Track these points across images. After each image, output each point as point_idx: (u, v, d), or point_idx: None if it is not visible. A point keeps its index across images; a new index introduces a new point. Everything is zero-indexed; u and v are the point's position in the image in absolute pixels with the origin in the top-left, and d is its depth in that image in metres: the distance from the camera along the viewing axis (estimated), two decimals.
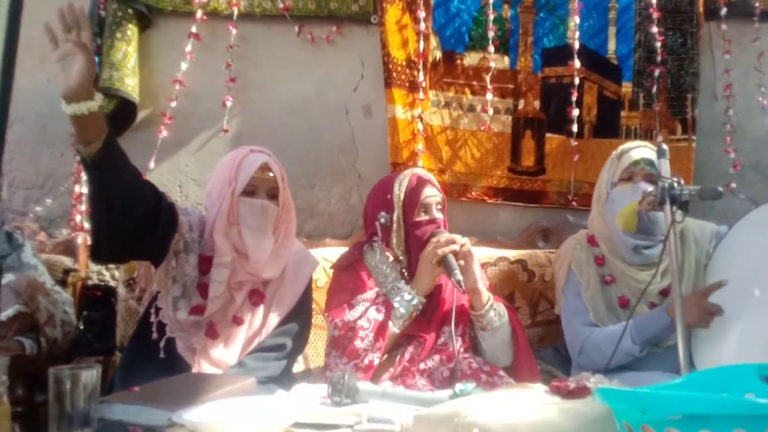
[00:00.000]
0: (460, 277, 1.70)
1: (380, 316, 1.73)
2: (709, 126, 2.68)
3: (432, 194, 1.88)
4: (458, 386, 1.20)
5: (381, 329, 1.72)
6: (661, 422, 0.76)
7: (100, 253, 1.60)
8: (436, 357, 1.75)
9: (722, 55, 2.66)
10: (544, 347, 2.29)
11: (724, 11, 2.61)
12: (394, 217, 1.87)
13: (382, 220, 1.89)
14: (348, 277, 1.90)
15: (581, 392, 0.96)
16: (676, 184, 1.38)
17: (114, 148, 1.49)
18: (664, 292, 1.88)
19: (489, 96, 2.57)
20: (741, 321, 1.65)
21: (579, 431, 0.90)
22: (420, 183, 1.88)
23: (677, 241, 1.88)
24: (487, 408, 0.94)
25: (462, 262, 1.76)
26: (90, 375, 1.14)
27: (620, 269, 1.94)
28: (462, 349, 1.76)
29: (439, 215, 1.88)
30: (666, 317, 1.74)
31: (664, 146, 1.47)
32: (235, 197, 1.75)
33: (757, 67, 2.66)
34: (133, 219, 1.56)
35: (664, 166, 1.44)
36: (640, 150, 1.93)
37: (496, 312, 1.80)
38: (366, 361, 1.67)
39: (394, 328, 1.75)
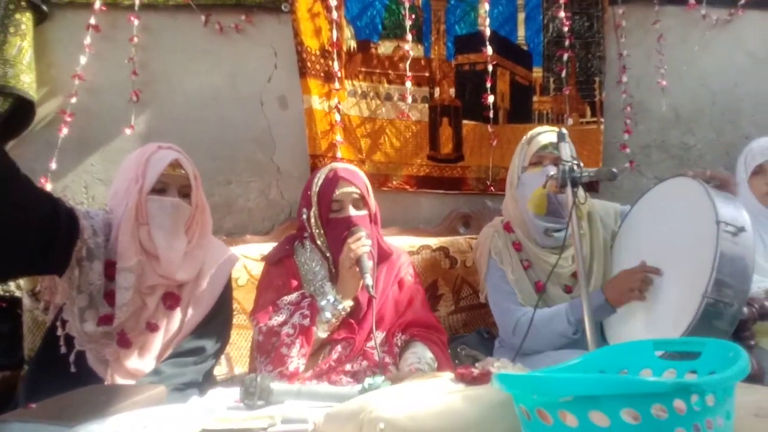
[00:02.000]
0: (370, 281, 1.67)
1: (306, 322, 1.70)
2: (616, 108, 2.78)
3: (346, 190, 1.81)
4: (367, 380, 1.19)
5: (307, 335, 1.68)
6: (553, 404, 0.77)
7: None
8: (364, 362, 1.74)
9: (626, 38, 2.76)
10: (467, 332, 2.33)
11: None
12: (311, 214, 1.84)
13: (304, 217, 1.86)
14: (277, 273, 1.86)
15: (484, 378, 0.97)
16: (575, 167, 1.41)
17: (2, 165, 1.37)
18: (576, 275, 1.93)
19: (408, 84, 2.57)
20: (648, 296, 1.71)
21: (482, 417, 0.91)
22: (333, 179, 1.82)
23: (584, 222, 1.96)
24: (393, 401, 0.94)
25: (371, 263, 1.74)
26: None
27: (535, 253, 1.98)
28: (386, 357, 1.75)
29: (356, 212, 1.82)
30: (601, 296, 1.78)
31: (564, 130, 1.50)
32: (143, 195, 1.67)
33: (658, 49, 2.77)
34: (24, 233, 1.45)
35: (564, 150, 1.48)
36: (548, 135, 1.98)
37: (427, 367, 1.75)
38: (291, 368, 1.64)
39: (319, 333, 1.72)
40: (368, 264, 1.71)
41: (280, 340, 1.68)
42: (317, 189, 1.84)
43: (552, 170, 1.88)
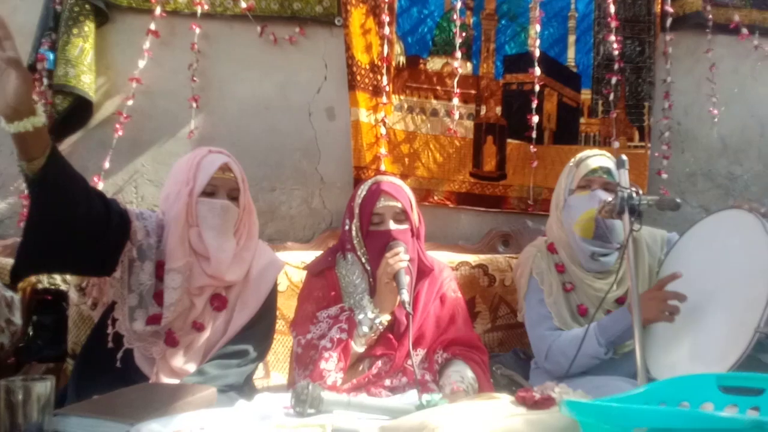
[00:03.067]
0: (406, 297, 1.66)
1: (344, 336, 1.70)
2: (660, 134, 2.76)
3: (387, 204, 1.81)
4: (425, 397, 1.19)
5: (344, 350, 1.69)
6: None
7: (20, 269, 1.48)
8: (404, 378, 1.73)
9: (675, 65, 2.74)
10: (503, 351, 2.32)
11: (670, 21, 2.70)
12: (353, 226, 1.85)
13: (346, 228, 1.87)
14: (317, 285, 1.87)
15: (546, 403, 0.97)
16: (634, 194, 1.41)
17: (57, 164, 1.40)
18: (620, 300, 1.92)
19: (455, 101, 2.58)
20: (694, 327, 1.69)
21: None
22: (376, 192, 1.83)
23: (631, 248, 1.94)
24: (455, 419, 0.94)
25: (408, 278, 1.72)
26: (44, 386, 1.11)
27: (579, 277, 1.97)
28: (425, 375, 1.75)
29: (397, 226, 1.81)
30: (628, 316, 1.75)
31: (624, 157, 1.49)
32: (194, 198, 1.70)
33: (709, 77, 2.75)
34: (74, 236, 1.48)
35: (624, 176, 1.47)
36: (598, 159, 1.97)
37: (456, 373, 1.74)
38: (329, 382, 1.64)
39: (357, 348, 1.72)
40: (405, 279, 1.69)
41: (318, 354, 1.68)
42: (360, 201, 1.85)
43: (602, 194, 1.88)
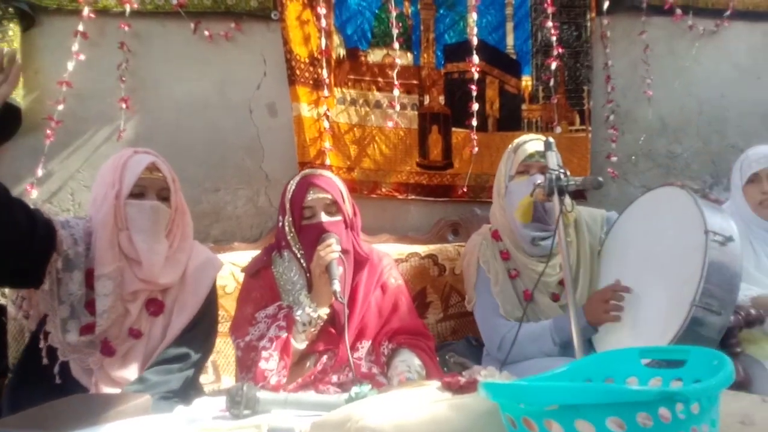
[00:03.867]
0: (337, 287, 1.65)
1: (282, 333, 1.68)
2: (603, 117, 2.80)
3: (317, 196, 1.79)
4: (354, 389, 1.18)
5: (284, 347, 1.67)
6: (539, 413, 0.77)
7: None
8: (351, 373, 1.70)
9: (612, 48, 2.79)
10: (456, 339, 2.33)
11: (606, 5, 2.74)
12: (286, 221, 1.83)
13: (280, 224, 1.85)
14: (255, 285, 1.85)
15: (471, 387, 0.97)
16: (562, 176, 1.42)
17: None
18: (563, 282, 1.93)
19: (396, 92, 2.57)
20: (635, 304, 1.72)
21: (468, 426, 0.91)
22: (304, 185, 1.81)
23: (571, 230, 1.96)
24: (379, 410, 0.93)
25: (341, 269, 1.71)
26: None
27: (523, 262, 1.98)
28: (371, 367, 1.75)
29: (328, 218, 1.80)
30: (584, 318, 1.78)
31: (551, 139, 1.51)
32: (121, 200, 1.65)
33: (644, 59, 2.79)
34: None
35: (551, 158, 1.48)
36: (534, 143, 1.99)
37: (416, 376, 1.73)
38: (273, 382, 1.61)
39: (297, 345, 1.70)
40: (337, 271, 1.68)
41: (258, 355, 1.66)
42: (290, 196, 1.83)
43: (539, 179, 1.89)
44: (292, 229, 1.82)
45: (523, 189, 1.94)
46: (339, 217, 1.82)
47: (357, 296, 1.81)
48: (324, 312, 1.73)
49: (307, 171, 1.91)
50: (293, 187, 1.83)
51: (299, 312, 1.71)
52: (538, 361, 1.81)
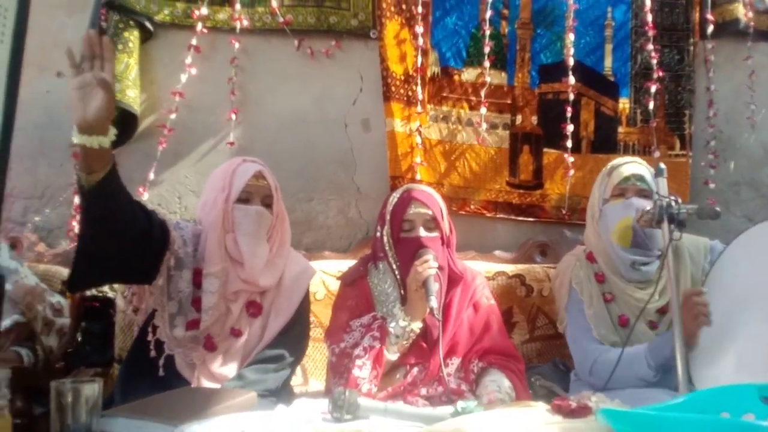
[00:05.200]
0: (434, 303, 1.66)
1: (376, 344, 1.71)
2: (704, 142, 2.71)
3: (418, 210, 1.83)
4: (460, 404, 1.20)
5: (377, 357, 1.70)
6: None
7: (77, 281, 1.58)
8: (440, 388, 1.73)
9: (715, 73, 2.70)
10: (542, 362, 2.29)
11: (710, 29, 2.66)
12: (384, 233, 1.87)
13: (378, 235, 1.90)
14: (350, 294, 1.90)
15: (583, 411, 0.97)
16: (673, 203, 1.39)
17: (114, 180, 1.47)
18: (662, 310, 1.88)
19: (483, 110, 2.59)
20: (739, 339, 1.65)
21: None
22: (407, 199, 1.85)
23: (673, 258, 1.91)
24: (490, 426, 0.95)
25: (437, 285, 1.72)
26: (92, 388, 1.14)
27: (620, 287, 1.94)
28: (460, 384, 1.76)
29: (427, 233, 1.83)
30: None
31: (662, 165, 1.48)
32: (230, 204, 1.76)
33: (749, 84, 2.69)
34: (121, 247, 1.54)
35: (662, 185, 1.45)
36: (630, 166, 1.95)
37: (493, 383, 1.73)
38: (364, 390, 1.65)
39: (389, 356, 1.73)
40: (434, 287, 1.70)
41: (351, 362, 1.70)
42: (391, 208, 1.87)
43: (637, 202, 1.86)
44: (390, 241, 1.86)
45: (618, 212, 1.91)
46: (437, 234, 1.85)
47: (450, 313, 1.83)
48: (417, 326, 1.76)
49: (410, 185, 1.97)
50: (395, 200, 1.88)
51: (393, 324, 1.74)
52: (636, 392, 1.75)
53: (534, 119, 2.66)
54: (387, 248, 1.87)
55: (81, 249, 1.52)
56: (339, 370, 1.74)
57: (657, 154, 2.61)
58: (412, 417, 1.28)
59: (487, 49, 2.58)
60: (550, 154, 2.65)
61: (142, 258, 1.64)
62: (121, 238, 1.52)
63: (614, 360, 1.76)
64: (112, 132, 1.42)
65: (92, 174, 1.42)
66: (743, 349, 1.65)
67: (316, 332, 2.17)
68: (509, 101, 2.66)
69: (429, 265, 1.72)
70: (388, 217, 1.87)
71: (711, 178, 2.67)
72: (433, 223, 1.85)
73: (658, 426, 0.76)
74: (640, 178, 1.93)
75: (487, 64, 2.59)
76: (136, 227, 1.57)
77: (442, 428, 1.02)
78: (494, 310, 1.95)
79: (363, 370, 1.68)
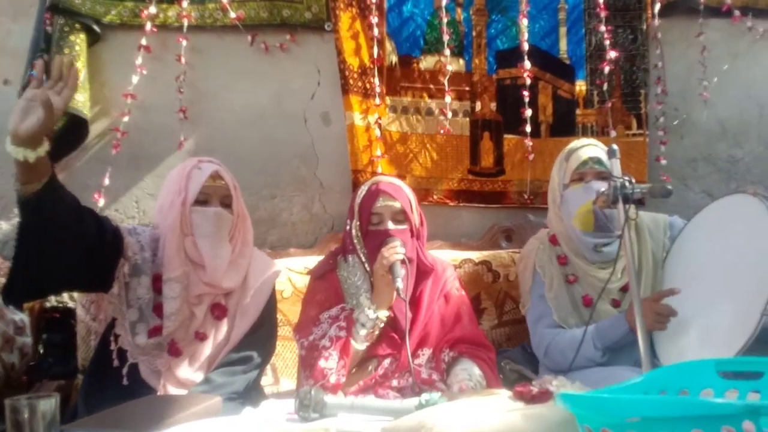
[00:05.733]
0: (400, 284, 1.67)
1: (342, 334, 1.71)
2: (655, 120, 2.74)
3: (386, 203, 1.83)
4: (424, 396, 1.20)
5: (344, 347, 1.70)
6: (620, 425, 0.77)
7: (11, 292, 1.52)
8: (411, 378, 1.72)
9: (669, 51, 2.73)
10: (511, 346, 2.31)
11: (657, 7, 2.68)
12: (353, 226, 1.87)
13: (347, 228, 1.89)
14: (320, 288, 1.89)
15: (544, 396, 0.97)
16: (627, 183, 1.40)
17: (53, 189, 1.43)
18: (625, 288, 1.91)
19: (447, 99, 2.58)
20: (702, 313, 1.69)
21: None
22: (375, 192, 1.85)
23: (632, 233, 1.94)
24: (452, 417, 0.94)
25: (403, 271, 1.72)
26: (48, 404, 1.11)
27: (583, 269, 1.97)
28: (432, 374, 1.75)
29: (396, 226, 1.83)
30: (625, 323, 1.78)
31: (615, 146, 1.49)
32: (187, 207, 1.73)
33: (702, 61, 2.73)
34: (69, 254, 1.50)
35: (616, 166, 1.47)
36: (587, 149, 1.97)
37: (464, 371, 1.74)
38: (332, 381, 1.65)
39: (357, 345, 1.73)
40: (400, 270, 1.70)
41: (319, 353, 1.70)
42: (359, 201, 1.87)
43: (597, 185, 1.87)
44: (359, 234, 1.86)
45: (579, 197, 1.92)
46: (405, 226, 1.85)
47: (421, 305, 1.83)
48: (383, 314, 1.76)
49: (378, 177, 1.97)
50: (363, 192, 1.88)
51: (360, 314, 1.74)
52: (600, 371, 1.79)
53: (493, 106, 2.66)
54: (356, 241, 1.87)
55: (18, 259, 1.47)
56: (309, 362, 1.74)
57: (613, 134, 2.64)
58: (379, 411, 1.28)
59: (446, 37, 2.57)
60: (510, 140, 2.66)
61: (94, 266, 1.60)
62: (64, 247, 1.48)
63: (566, 344, 1.80)
64: (44, 148, 1.38)
65: (26, 185, 1.39)
66: (706, 323, 1.68)
67: (284, 330, 2.16)
68: (468, 88, 2.66)
69: (395, 251, 1.73)
70: (356, 210, 1.87)
71: (663, 155, 2.70)
72: (401, 216, 1.85)
73: (615, 408, 0.76)
74: (598, 161, 1.95)
75: (447, 52, 2.57)
76: (83, 235, 1.53)
77: (406, 422, 1.01)
78: (465, 301, 1.97)
79: (329, 360, 1.68)
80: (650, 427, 0.76)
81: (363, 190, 1.90)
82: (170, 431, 1.12)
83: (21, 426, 1.09)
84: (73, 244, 1.50)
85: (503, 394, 1.05)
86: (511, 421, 0.93)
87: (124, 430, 1.18)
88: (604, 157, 1.94)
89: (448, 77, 2.58)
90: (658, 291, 1.82)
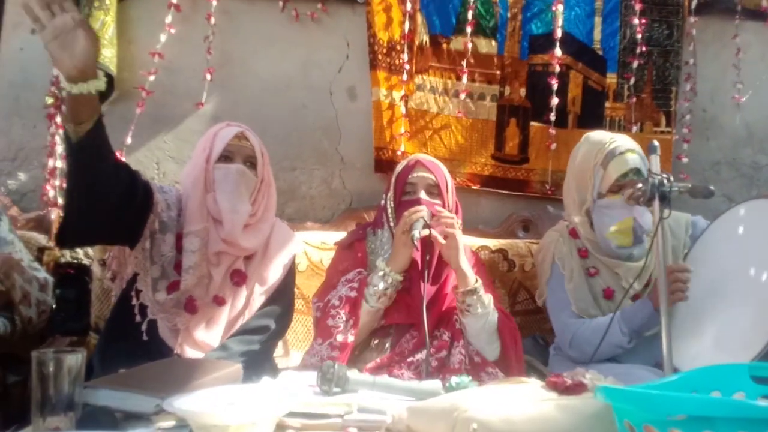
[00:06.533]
0: (418, 235, 1.66)
1: (353, 294, 1.72)
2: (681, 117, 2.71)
3: (421, 174, 1.84)
4: (454, 379, 1.20)
5: (353, 306, 1.70)
6: (664, 422, 0.77)
7: (65, 236, 1.54)
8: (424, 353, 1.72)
9: (702, 50, 2.69)
10: (522, 337, 2.29)
11: (695, 3, 2.63)
12: (388, 198, 1.89)
13: (383, 202, 1.91)
14: (345, 257, 1.90)
15: (578, 388, 0.97)
16: (665, 181, 1.38)
17: (102, 131, 1.45)
18: (646, 284, 1.90)
19: (464, 79, 2.55)
20: (718, 316, 1.68)
21: (577, 427, 0.91)
22: (413, 164, 1.87)
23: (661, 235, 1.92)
24: (486, 403, 0.94)
25: (426, 231, 1.72)
26: (75, 359, 1.11)
27: (604, 262, 1.95)
28: (450, 339, 1.75)
29: (427, 198, 1.82)
30: (650, 305, 1.75)
31: (655, 142, 1.47)
32: (210, 164, 1.74)
33: (736, 63, 2.69)
34: (108, 203, 1.52)
35: (655, 162, 1.44)
36: (629, 157, 1.87)
37: (479, 298, 1.74)
38: (340, 339, 1.65)
39: (367, 306, 1.72)
40: (419, 224, 1.69)
41: (327, 313, 1.71)
42: (396, 173, 1.90)
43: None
44: (392, 204, 1.87)
45: (619, 212, 1.87)
46: (438, 201, 1.85)
47: (446, 285, 1.83)
48: (397, 277, 1.75)
49: (419, 154, 1.98)
50: (401, 167, 1.90)
51: (373, 275, 1.76)
52: (615, 367, 1.77)
53: (522, 91, 2.63)
54: (389, 212, 1.88)
55: (69, 204, 1.49)
56: (319, 323, 1.75)
57: (634, 130, 2.60)
58: (403, 391, 1.28)
59: (470, 14, 2.52)
60: (536, 128, 2.63)
61: (126, 218, 1.61)
62: (106, 194, 1.50)
63: (591, 333, 1.79)
64: (102, 74, 1.38)
65: (81, 125, 1.39)
66: (722, 327, 1.67)
67: (298, 304, 2.16)
68: (499, 72, 2.61)
69: (417, 210, 1.73)
70: (393, 181, 1.89)
71: (688, 155, 2.67)
72: (435, 189, 1.85)
73: (660, 404, 0.76)
74: (637, 172, 1.87)
75: (468, 30, 2.53)
76: (120, 185, 1.55)
77: (437, 403, 1.01)
78: (482, 270, 1.98)
79: (336, 319, 1.68)
80: (694, 426, 0.75)
81: (402, 164, 1.92)
82: (196, 395, 1.11)
83: (46, 379, 1.09)
84: (112, 192, 1.52)
85: (534, 383, 1.05)
86: (545, 410, 0.93)
87: (148, 390, 1.18)
88: (642, 165, 1.88)
89: (468, 56, 2.54)
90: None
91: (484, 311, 1.75)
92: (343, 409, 1.19)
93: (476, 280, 1.76)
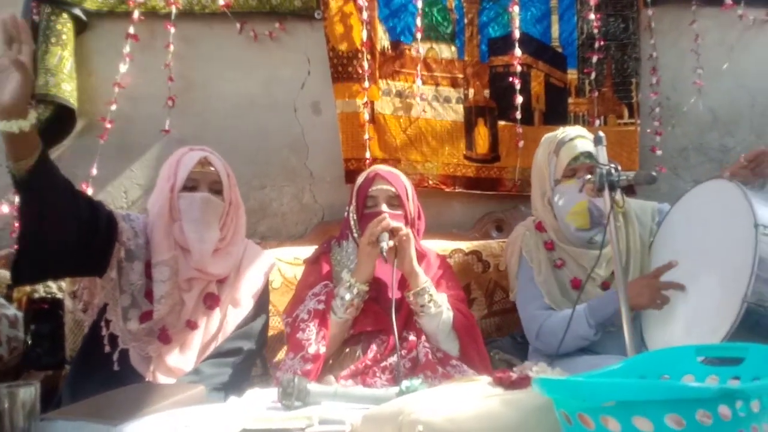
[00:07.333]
0: (385, 246, 1.71)
1: (321, 306, 1.73)
2: (650, 110, 2.73)
3: (381, 187, 1.87)
4: (404, 383, 1.20)
5: (322, 319, 1.71)
6: (596, 409, 0.77)
7: (20, 272, 1.53)
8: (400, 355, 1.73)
9: (660, 39, 2.71)
10: (501, 336, 2.31)
11: None
12: (351, 210, 1.91)
13: (346, 214, 1.93)
14: (310, 271, 1.92)
15: (523, 382, 0.97)
16: (613, 170, 1.39)
17: (46, 165, 1.44)
18: (613, 272, 1.91)
19: (418, 82, 2.55)
20: (687, 299, 1.69)
21: (521, 421, 0.91)
22: (372, 177, 1.89)
23: (620, 222, 1.93)
24: (431, 404, 0.94)
25: (392, 243, 1.76)
26: (28, 392, 1.11)
27: (570, 253, 1.97)
28: (416, 338, 1.77)
29: (389, 210, 1.85)
30: (617, 299, 1.76)
31: (601, 134, 1.48)
32: (175, 193, 1.74)
33: (694, 49, 2.71)
34: (64, 235, 1.51)
35: (602, 153, 1.46)
36: (577, 142, 1.94)
37: (431, 298, 1.78)
38: (311, 350, 1.66)
39: (336, 317, 1.74)
40: (385, 235, 1.74)
41: (297, 327, 1.72)
42: (357, 186, 1.93)
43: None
44: (355, 217, 1.89)
45: (573, 195, 1.89)
46: (400, 212, 1.87)
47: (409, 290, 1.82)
48: (362, 287, 1.77)
49: (377, 165, 2.03)
50: (361, 179, 1.93)
51: (339, 287, 1.78)
52: (588, 359, 1.78)
53: (486, 93, 2.65)
54: (352, 224, 1.90)
55: (22, 242, 1.48)
56: (292, 339, 1.74)
57: (597, 123, 2.63)
58: (362, 399, 1.27)
59: (418, 20, 2.54)
60: (504, 127, 2.64)
61: (89, 250, 1.61)
62: (61, 227, 1.49)
63: (558, 324, 1.79)
64: (33, 115, 1.38)
65: (20, 161, 1.39)
66: (691, 311, 1.68)
67: (274, 321, 2.15)
68: (461, 75, 2.63)
69: (383, 219, 1.75)
70: (354, 194, 1.91)
71: (657, 145, 2.69)
72: (396, 200, 1.88)
73: (590, 392, 0.76)
74: (589, 155, 1.92)
75: (419, 35, 2.55)
76: (78, 217, 1.54)
77: (386, 409, 1.01)
78: (449, 284, 1.97)
79: (307, 332, 1.69)
80: (626, 410, 0.75)
81: (362, 176, 1.95)
82: (149, 420, 1.11)
83: (1, 414, 1.08)
84: (69, 223, 1.51)
85: (483, 380, 1.05)
86: (490, 406, 0.92)
87: (103, 419, 1.17)
88: (593, 150, 1.92)
89: (420, 62, 2.56)
90: (655, 268, 1.80)
91: (437, 310, 1.78)
92: (304, 422, 1.18)
93: (426, 280, 1.79)
